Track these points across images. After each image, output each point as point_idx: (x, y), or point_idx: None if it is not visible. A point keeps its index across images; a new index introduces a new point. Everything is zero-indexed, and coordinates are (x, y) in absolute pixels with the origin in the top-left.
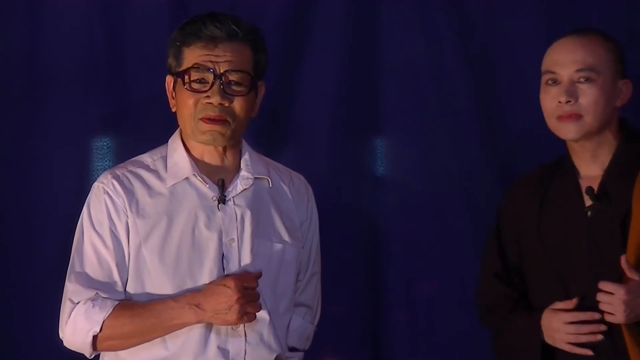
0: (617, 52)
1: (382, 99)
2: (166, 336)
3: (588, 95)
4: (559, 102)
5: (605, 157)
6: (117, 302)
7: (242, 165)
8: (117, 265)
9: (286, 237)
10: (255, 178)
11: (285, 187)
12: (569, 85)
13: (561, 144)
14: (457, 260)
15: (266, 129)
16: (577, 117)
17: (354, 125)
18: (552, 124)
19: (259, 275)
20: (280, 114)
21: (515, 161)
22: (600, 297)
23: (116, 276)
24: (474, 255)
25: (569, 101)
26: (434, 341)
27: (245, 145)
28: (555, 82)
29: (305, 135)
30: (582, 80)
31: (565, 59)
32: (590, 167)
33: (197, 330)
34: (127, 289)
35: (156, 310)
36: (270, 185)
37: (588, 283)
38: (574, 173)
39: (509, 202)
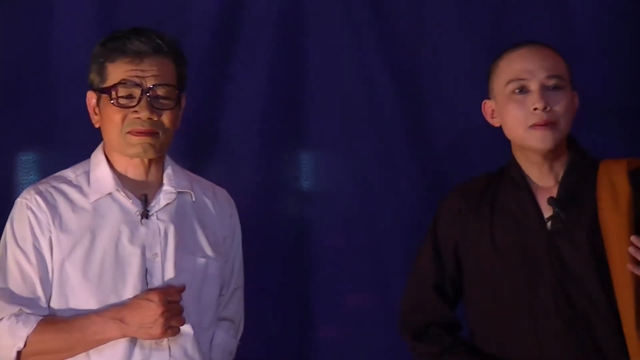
0: (568, 64)
1: (308, 112)
2: (90, 351)
3: (560, 102)
4: (535, 109)
5: (559, 168)
6: (41, 318)
7: (165, 180)
8: (40, 280)
9: (209, 252)
10: (178, 192)
11: (208, 202)
12: (542, 92)
13: (490, 154)
14: (385, 274)
15: (191, 143)
16: (553, 124)
17: (279, 138)
18: (521, 133)
19: (182, 289)
20: (206, 129)
21: (444, 172)
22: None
23: (40, 292)
24: (403, 269)
25: (546, 108)
26: (361, 355)
27: (168, 160)
28: (523, 90)
29: (231, 149)
30: (552, 87)
31: (534, 66)
32: (545, 178)
33: (121, 345)
34: (51, 304)
35: (80, 325)
36: (194, 200)
37: (552, 295)
38: (526, 183)
39: (449, 212)
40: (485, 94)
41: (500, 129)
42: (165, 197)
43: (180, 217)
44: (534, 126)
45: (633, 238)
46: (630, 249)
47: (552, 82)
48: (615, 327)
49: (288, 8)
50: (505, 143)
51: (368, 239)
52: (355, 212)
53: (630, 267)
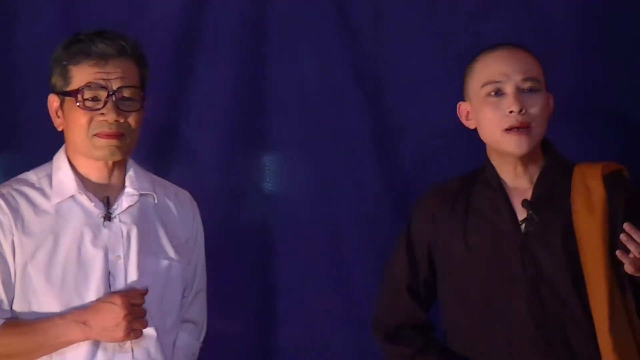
0: (542, 67)
1: (271, 115)
2: (53, 354)
3: (536, 105)
4: (510, 112)
5: (534, 171)
6: (3, 321)
7: (127, 182)
8: (3, 283)
9: (172, 254)
10: (140, 194)
11: (170, 204)
12: (517, 95)
13: (455, 156)
14: (349, 277)
15: (155, 146)
16: (528, 128)
17: (242, 141)
18: (497, 136)
19: (145, 291)
20: (168, 131)
21: (407, 174)
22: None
23: (2, 295)
24: (367, 272)
25: (522, 110)
26: (324, 357)
27: (130, 162)
28: (499, 92)
29: (193, 151)
30: (527, 89)
31: (510, 69)
32: (520, 180)
33: (84, 348)
34: (14, 307)
35: (42, 328)
36: (156, 202)
37: (525, 298)
38: (501, 185)
39: (422, 214)
40: (450, 96)
41: (466, 131)
42: (127, 199)
43: (142, 219)
44: (509, 129)
45: (626, 225)
46: (622, 236)
47: (527, 84)
48: (588, 331)
49: (251, 11)
50: (470, 146)
51: (331, 242)
52: (318, 214)
53: (618, 254)
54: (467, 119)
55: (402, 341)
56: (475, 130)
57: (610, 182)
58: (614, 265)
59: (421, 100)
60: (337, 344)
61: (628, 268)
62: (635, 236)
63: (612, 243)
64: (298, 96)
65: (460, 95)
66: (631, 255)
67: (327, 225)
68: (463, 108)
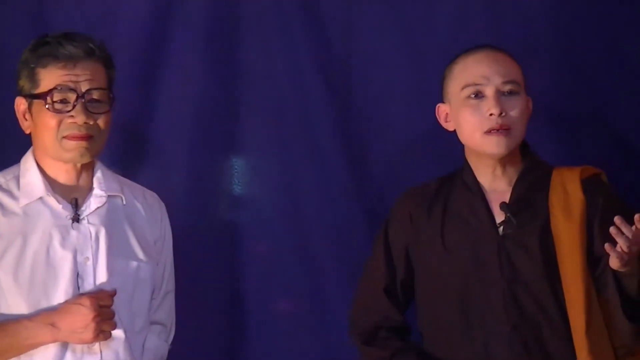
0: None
1: (240, 117)
2: (21, 355)
3: (515, 108)
4: (490, 114)
5: (512, 174)
6: None
7: (95, 184)
8: None
9: (141, 255)
10: (108, 196)
11: (138, 205)
12: (497, 97)
13: (423, 158)
14: (316, 279)
15: (122, 148)
16: (507, 130)
17: (211, 143)
18: (477, 138)
19: (114, 293)
20: (137, 133)
21: (375, 177)
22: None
23: None
24: (335, 275)
25: (502, 113)
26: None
27: (98, 164)
28: (479, 95)
29: (162, 153)
30: (507, 92)
31: (490, 71)
32: (498, 183)
33: (52, 349)
34: None
35: (11, 330)
36: (124, 203)
37: (502, 300)
38: (479, 188)
39: (400, 215)
40: (422, 97)
41: (438, 132)
42: (95, 200)
43: (111, 220)
44: (489, 131)
45: (617, 219)
46: (612, 229)
47: (507, 87)
48: (564, 333)
49: (221, 13)
50: (441, 147)
51: (299, 244)
52: (286, 217)
53: (607, 247)
54: (446, 121)
55: (379, 343)
56: (446, 132)
57: (588, 186)
58: (591, 268)
59: (392, 101)
60: (305, 347)
61: (613, 262)
62: (625, 230)
63: (590, 246)
64: (267, 98)
65: (432, 96)
66: (618, 249)
67: (295, 228)
68: (442, 110)
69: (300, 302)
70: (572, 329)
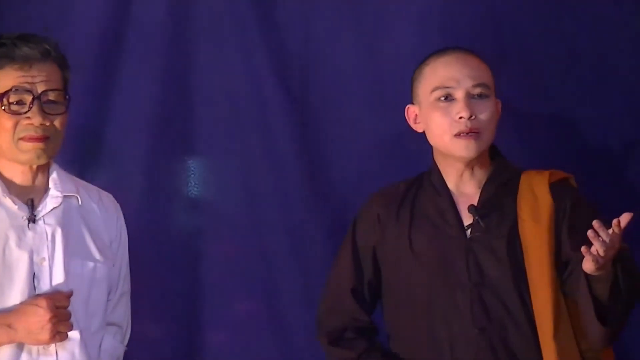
0: (492, 72)
1: (197, 119)
2: None
3: (485, 111)
4: (460, 117)
5: (481, 176)
6: None
7: (51, 184)
8: None
9: (97, 256)
10: (64, 196)
11: (94, 206)
12: (467, 101)
13: (380, 160)
14: (274, 281)
15: (79, 150)
16: (477, 134)
17: (168, 145)
18: (447, 141)
19: (70, 294)
20: (93, 135)
21: (331, 179)
22: (605, 234)
23: None
24: (291, 277)
25: (471, 116)
26: None
27: (53, 165)
28: (449, 97)
29: (118, 155)
30: (477, 95)
31: (460, 74)
32: (466, 186)
33: (8, 350)
34: None
35: None
36: (80, 204)
37: (469, 303)
38: (447, 190)
39: (368, 217)
40: (376, 101)
41: (393, 133)
42: (51, 201)
43: (67, 221)
44: (458, 134)
45: (596, 223)
46: (590, 232)
47: (477, 90)
48: (531, 337)
49: (176, 14)
50: (395, 152)
51: (256, 246)
52: (243, 219)
53: (583, 250)
54: (415, 122)
55: (345, 344)
56: (403, 135)
57: (557, 189)
58: (559, 272)
59: (349, 104)
60: (263, 348)
61: (588, 266)
62: (602, 234)
63: (557, 250)
64: (224, 100)
65: (389, 98)
66: (594, 252)
67: (252, 230)
68: (411, 111)
69: (257, 304)
70: (539, 333)
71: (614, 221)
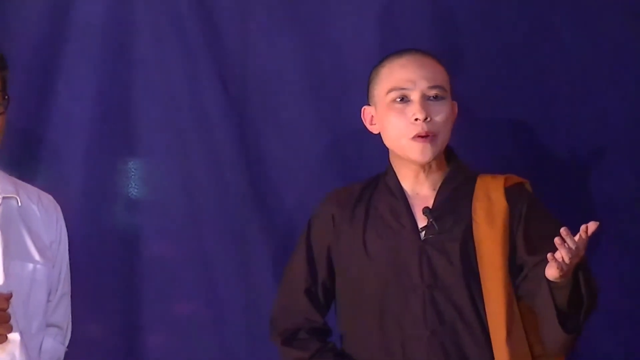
0: (449, 74)
1: (138, 120)
2: None
3: (441, 113)
4: (416, 119)
5: (437, 179)
6: None
7: None
8: None
9: (37, 257)
10: (3, 198)
11: (34, 207)
12: (423, 102)
13: (322, 162)
14: (214, 282)
15: (18, 151)
16: (433, 136)
17: (109, 146)
18: (403, 144)
19: (9, 296)
20: (33, 135)
21: (272, 179)
22: (571, 241)
23: None
24: (232, 279)
25: (427, 118)
26: None
27: None
28: (404, 99)
29: (59, 156)
30: (433, 97)
31: (416, 76)
32: (422, 188)
33: None
34: None
35: None
36: (20, 205)
37: (421, 305)
38: (402, 192)
39: (323, 217)
40: (316, 102)
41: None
42: None
43: (6, 222)
44: (415, 137)
45: (563, 230)
46: (557, 240)
47: (433, 92)
48: (484, 340)
49: (117, 16)
50: (334, 153)
51: (196, 248)
52: (183, 220)
53: (549, 256)
54: (371, 124)
55: (298, 344)
56: (343, 136)
57: (512, 194)
58: (512, 277)
59: (288, 105)
60: (202, 350)
61: (551, 272)
62: (569, 241)
63: (512, 254)
64: (164, 101)
65: (329, 99)
66: (559, 259)
67: (192, 231)
68: (367, 112)
69: (197, 305)
70: (492, 337)
71: (582, 228)
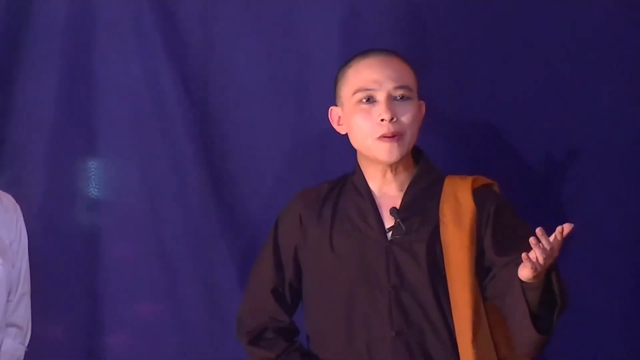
0: (416, 73)
1: (98, 121)
2: None
3: (407, 113)
4: (381, 120)
5: (404, 179)
6: None
7: None
8: None
9: None
10: None
11: None
12: (389, 103)
13: (284, 162)
14: (175, 282)
15: None
16: (399, 136)
17: (69, 146)
18: (369, 144)
19: None
20: None
21: (233, 179)
22: (546, 240)
23: None
24: (192, 279)
25: (393, 119)
26: None
27: None
28: (370, 99)
29: (18, 156)
30: (399, 97)
31: (382, 76)
32: (389, 188)
33: None
34: None
35: None
36: None
37: (387, 306)
38: (369, 192)
39: (290, 217)
40: (278, 102)
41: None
42: None
43: None
44: (381, 138)
45: (539, 230)
46: (532, 239)
47: (399, 92)
48: (449, 342)
49: (77, 16)
50: (298, 153)
51: (157, 248)
52: (144, 220)
53: (523, 256)
54: (339, 124)
55: (265, 344)
56: (306, 137)
57: (480, 195)
58: (479, 278)
59: (251, 105)
60: (163, 350)
61: (525, 273)
62: (544, 241)
63: (479, 256)
64: (125, 101)
65: (291, 99)
66: (533, 259)
67: (153, 231)
68: (334, 113)
69: (158, 305)
70: (458, 339)
71: (557, 229)
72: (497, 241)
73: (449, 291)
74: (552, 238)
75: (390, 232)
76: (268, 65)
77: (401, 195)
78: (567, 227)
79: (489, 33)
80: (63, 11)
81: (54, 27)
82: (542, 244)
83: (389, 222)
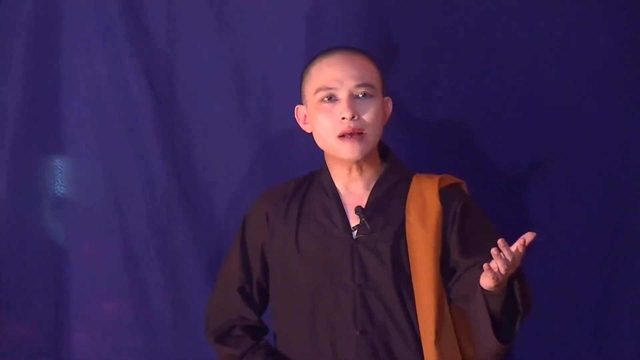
0: (381, 70)
1: (63, 119)
2: None
3: (369, 111)
4: (343, 118)
5: (370, 177)
6: None
7: None
8: None
9: None
10: None
11: None
12: (350, 101)
13: (249, 160)
14: (141, 280)
15: None
16: (360, 134)
17: (34, 143)
18: (332, 143)
19: None
20: None
21: (200, 175)
22: (507, 251)
23: None
24: (159, 277)
25: (354, 117)
26: None
27: None
28: (332, 98)
29: None
30: (361, 95)
31: (343, 75)
32: (355, 186)
33: None
34: None
35: None
36: None
37: (352, 305)
38: (335, 191)
39: (257, 215)
40: (241, 99)
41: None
42: None
43: None
44: (342, 136)
45: (500, 241)
46: (493, 250)
47: (361, 90)
48: (413, 341)
49: (42, 14)
50: (260, 151)
51: (123, 246)
52: (110, 218)
53: (485, 267)
54: (304, 123)
55: (231, 342)
56: (266, 135)
57: (446, 195)
58: (445, 278)
59: (215, 103)
60: (129, 348)
61: (486, 281)
62: (505, 252)
63: (445, 256)
64: (90, 99)
65: (254, 97)
66: (495, 269)
67: (118, 230)
68: (300, 111)
69: (124, 304)
70: (422, 339)
71: (519, 240)
72: (462, 242)
73: (414, 291)
74: (513, 248)
75: (356, 231)
76: (233, 64)
77: (367, 193)
78: (528, 237)
79: (456, 29)
80: (29, 10)
81: (19, 25)
82: (504, 255)
83: (354, 221)
